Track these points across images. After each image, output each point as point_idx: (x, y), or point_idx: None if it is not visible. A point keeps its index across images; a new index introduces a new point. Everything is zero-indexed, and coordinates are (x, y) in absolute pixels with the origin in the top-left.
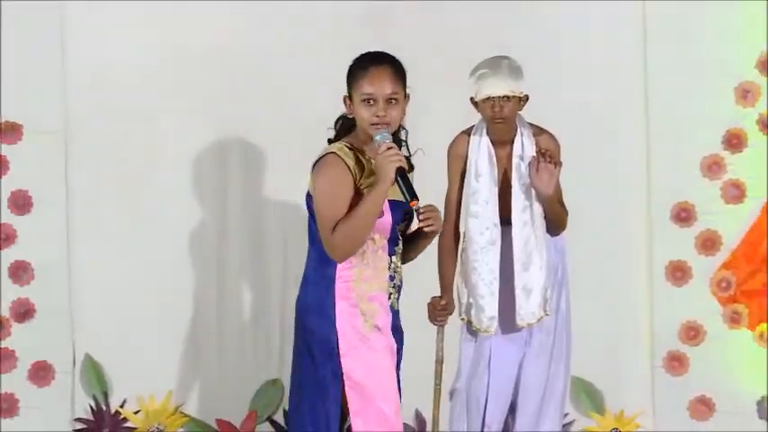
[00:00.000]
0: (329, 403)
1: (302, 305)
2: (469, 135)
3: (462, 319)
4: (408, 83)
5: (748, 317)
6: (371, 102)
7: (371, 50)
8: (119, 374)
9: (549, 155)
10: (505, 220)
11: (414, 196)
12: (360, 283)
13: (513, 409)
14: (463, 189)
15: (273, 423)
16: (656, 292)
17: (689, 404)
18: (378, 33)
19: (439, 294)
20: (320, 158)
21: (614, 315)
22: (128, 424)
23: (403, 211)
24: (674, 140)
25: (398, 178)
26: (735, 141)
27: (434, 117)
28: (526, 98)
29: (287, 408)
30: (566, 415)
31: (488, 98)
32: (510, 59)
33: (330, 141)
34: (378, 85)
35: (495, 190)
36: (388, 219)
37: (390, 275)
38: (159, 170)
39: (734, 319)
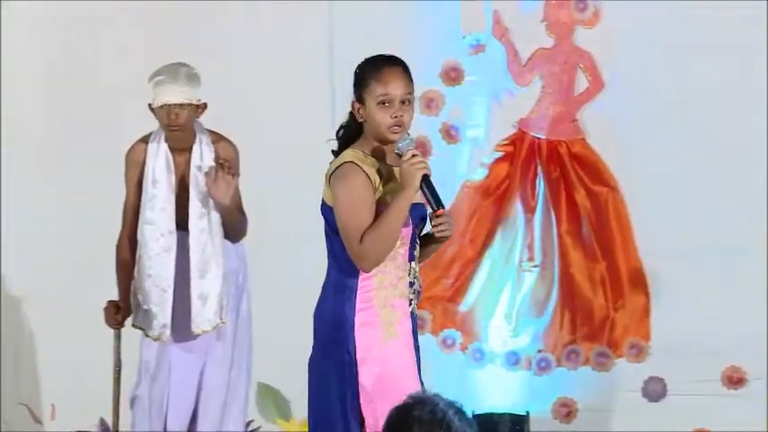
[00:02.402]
0: (347, 416)
1: (320, 317)
2: (147, 142)
3: (135, 326)
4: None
5: (432, 323)
6: (387, 103)
7: (379, 53)
8: None
9: (227, 165)
10: (183, 227)
11: (440, 204)
12: (381, 291)
13: (195, 415)
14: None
15: None
16: None
17: None
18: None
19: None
20: (337, 168)
21: (301, 322)
22: None
23: (419, 216)
24: None
25: (423, 186)
26: (419, 149)
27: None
28: (204, 105)
29: None
30: (252, 421)
31: (164, 105)
32: (188, 67)
33: (335, 153)
34: (393, 85)
35: (172, 197)
36: (409, 224)
37: (410, 281)
38: None
39: (419, 325)
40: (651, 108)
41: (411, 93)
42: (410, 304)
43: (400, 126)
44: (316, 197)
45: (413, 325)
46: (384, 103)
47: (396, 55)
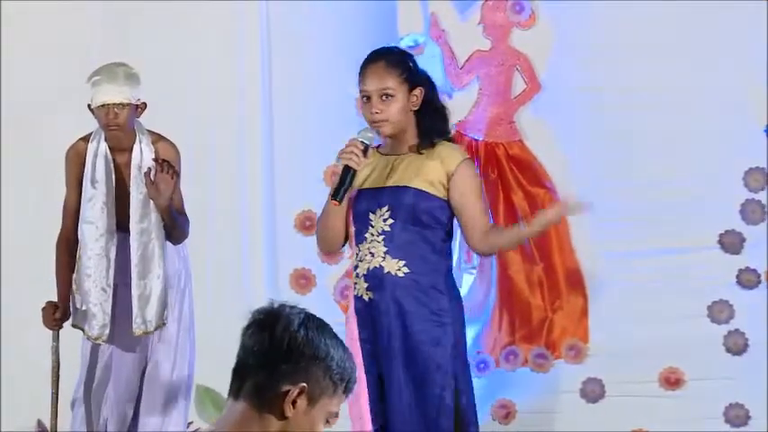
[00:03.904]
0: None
1: None
2: (87, 142)
3: (74, 327)
4: None
5: None
6: (367, 99)
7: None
8: None
9: (166, 165)
10: (125, 227)
11: (336, 196)
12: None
13: (136, 417)
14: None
15: None
16: (281, 299)
17: None
18: None
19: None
20: None
21: (239, 324)
22: None
23: (376, 201)
24: (297, 151)
25: (342, 173)
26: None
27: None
28: (144, 105)
29: None
30: (191, 423)
31: (103, 105)
32: (126, 66)
33: None
34: (370, 81)
35: (113, 197)
36: (346, 207)
37: (354, 264)
38: None
39: None
40: (588, 109)
41: (391, 86)
42: (355, 288)
43: (381, 121)
44: (254, 197)
45: (367, 311)
46: (365, 99)
47: (392, 47)
